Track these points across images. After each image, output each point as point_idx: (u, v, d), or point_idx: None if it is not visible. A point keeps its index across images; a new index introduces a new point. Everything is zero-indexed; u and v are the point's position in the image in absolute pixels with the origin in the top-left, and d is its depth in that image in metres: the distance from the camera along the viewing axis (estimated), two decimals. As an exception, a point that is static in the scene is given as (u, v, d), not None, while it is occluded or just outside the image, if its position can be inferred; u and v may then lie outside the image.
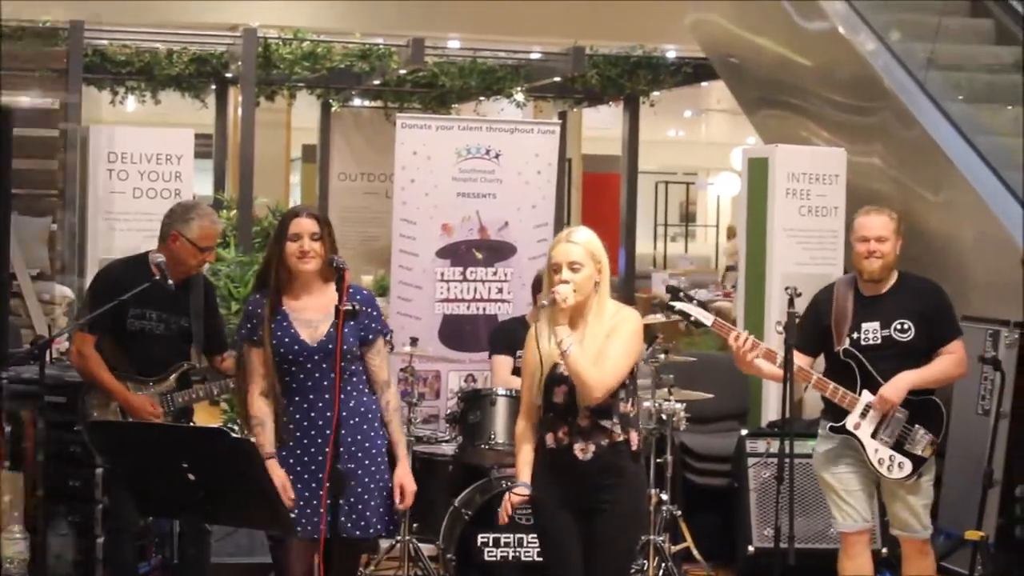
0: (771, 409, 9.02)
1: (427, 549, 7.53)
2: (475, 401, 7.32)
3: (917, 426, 6.53)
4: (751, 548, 8.08)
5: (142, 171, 8.94)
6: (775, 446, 7.79)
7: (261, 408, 5.56)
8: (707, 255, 26.80)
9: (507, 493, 5.60)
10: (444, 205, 8.68)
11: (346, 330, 5.36)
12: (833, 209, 9.28)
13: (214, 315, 6.90)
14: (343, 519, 5.41)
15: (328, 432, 5.42)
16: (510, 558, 7.21)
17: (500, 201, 8.79)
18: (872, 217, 6.65)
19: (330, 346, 5.42)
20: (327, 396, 5.48)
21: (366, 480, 5.56)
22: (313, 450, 5.51)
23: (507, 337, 7.70)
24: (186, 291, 6.64)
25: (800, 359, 6.51)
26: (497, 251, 8.81)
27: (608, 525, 5.46)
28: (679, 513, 7.92)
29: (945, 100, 9.33)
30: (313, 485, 5.49)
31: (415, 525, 7.49)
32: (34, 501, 7.11)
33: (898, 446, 6.53)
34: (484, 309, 8.78)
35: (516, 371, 7.40)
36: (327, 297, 5.52)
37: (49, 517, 6.73)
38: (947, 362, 6.58)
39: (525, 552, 7.17)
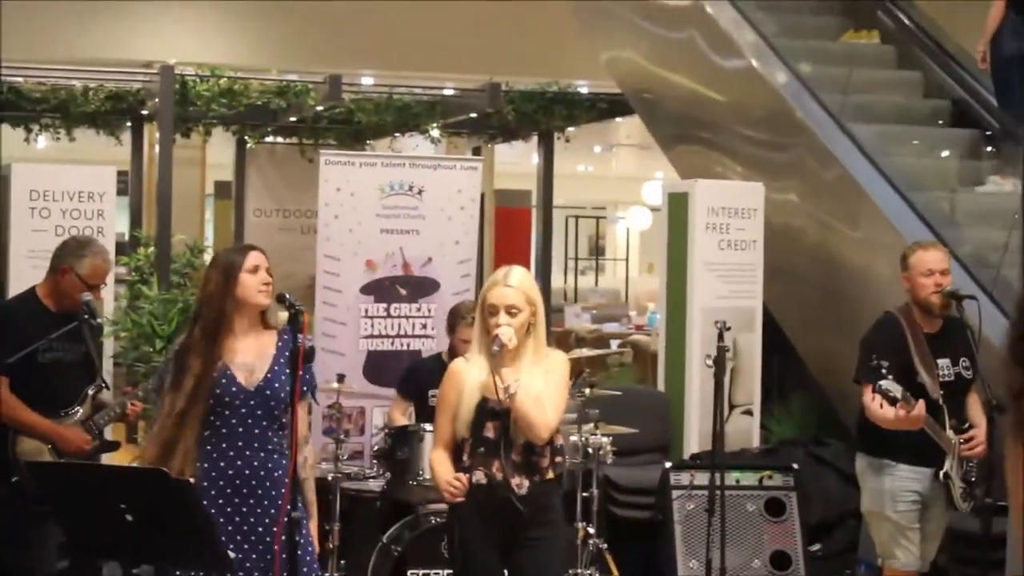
0: (693, 442, 9.10)
1: (355, 586, 7.51)
2: (403, 437, 7.34)
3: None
4: (677, 580, 8.13)
5: (64, 209, 8.87)
6: (699, 478, 7.92)
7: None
8: (617, 288, 26.95)
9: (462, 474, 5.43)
10: (368, 241, 8.73)
11: (285, 376, 5.21)
12: (752, 243, 9.39)
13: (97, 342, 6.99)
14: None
15: (257, 482, 5.18)
16: (440, 593, 7.24)
17: (423, 237, 8.85)
18: (932, 252, 6.59)
19: (267, 391, 5.20)
20: (255, 444, 5.18)
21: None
22: (253, 501, 5.20)
23: (416, 379, 7.76)
24: (75, 320, 6.60)
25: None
26: (420, 287, 8.86)
27: (537, 560, 5.50)
28: (605, 546, 7.97)
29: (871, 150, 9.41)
30: (253, 539, 5.19)
31: (343, 562, 7.49)
32: None
33: (966, 480, 6.52)
34: (408, 345, 8.82)
35: (426, 412, 7.39)
36: (264, 339, 5.29)
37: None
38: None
39: (455, 587, 7.19)
